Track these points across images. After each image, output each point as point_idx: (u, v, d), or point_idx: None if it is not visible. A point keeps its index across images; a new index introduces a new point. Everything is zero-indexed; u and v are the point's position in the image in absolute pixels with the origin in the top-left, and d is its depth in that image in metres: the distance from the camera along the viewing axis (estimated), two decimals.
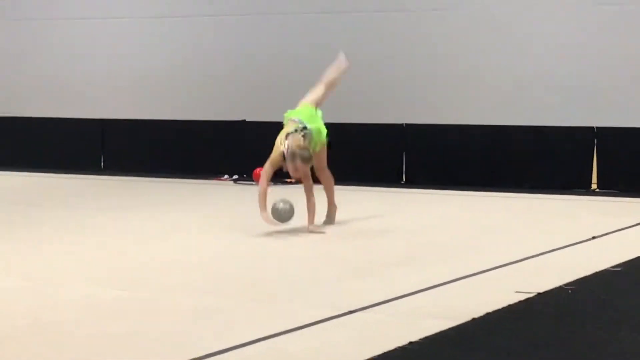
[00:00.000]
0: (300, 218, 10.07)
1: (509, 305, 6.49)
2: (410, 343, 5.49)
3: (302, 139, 10.02)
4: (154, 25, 17.29)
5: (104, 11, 17.58)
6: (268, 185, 10.14)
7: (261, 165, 15.11)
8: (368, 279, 7.67)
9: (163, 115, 16.82)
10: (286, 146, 9.99)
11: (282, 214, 9.86)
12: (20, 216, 11.43)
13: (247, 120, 16.09)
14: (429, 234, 10.15)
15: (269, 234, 9.91)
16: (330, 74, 10.91)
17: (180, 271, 7.99)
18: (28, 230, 10.21)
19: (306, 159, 9.97)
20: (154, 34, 17.27)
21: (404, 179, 15.13)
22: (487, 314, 6.24)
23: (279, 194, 13.95)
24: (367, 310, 6.43)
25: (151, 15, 17.24)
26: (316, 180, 10.54)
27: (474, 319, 6.10)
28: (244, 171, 15.45)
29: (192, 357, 5.22)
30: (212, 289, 7.28)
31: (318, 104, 10.68)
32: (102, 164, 16.92)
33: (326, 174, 10.68)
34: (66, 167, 16.54)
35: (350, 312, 6.32)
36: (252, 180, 15.16)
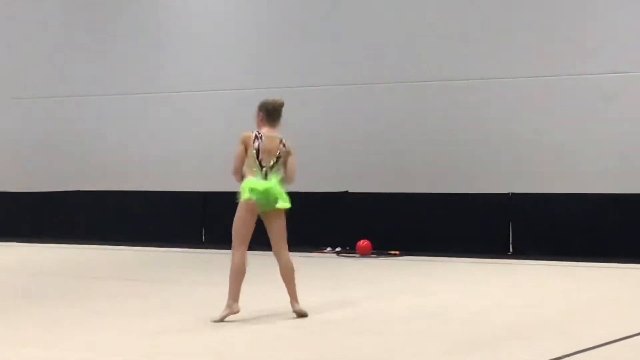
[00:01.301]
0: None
1: None
2: None
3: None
4: (253, 97, 17.58)
5: (211, 84, 18.03)
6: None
7: (364, 237, 15.39)
8: (477, 354, 7.63)
9: None
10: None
11: None
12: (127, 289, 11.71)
13: (349, 191, 16.23)
14: (537, 307, 10.04)
15: (370, 308, 9.93)
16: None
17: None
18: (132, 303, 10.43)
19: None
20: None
21: (511, 250, 15.09)
22: None
23: (381, 265, 14.07)
24: None
25: (253, 86, 17.61)
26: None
27: None
28: (347, 243, 15.57)
29: None
30: None
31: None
32: (203, 237, 17.23)
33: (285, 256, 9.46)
34: (168, 240, 16.94)
35: None
36: (356, 253, 15.28)
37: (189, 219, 17.46)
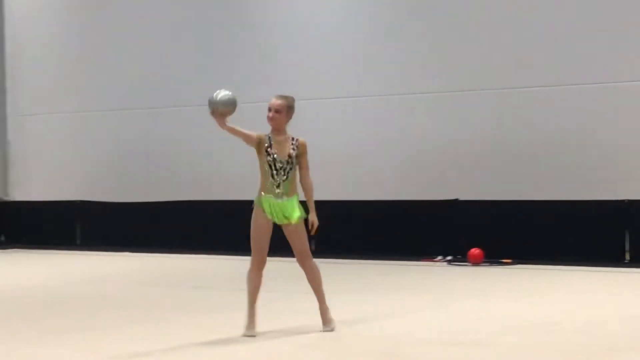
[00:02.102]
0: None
1: None
2: None
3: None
4: (364, 105, 17.75)
5: (317, 93, 18.17)
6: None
7: (475, 245, 15.33)
8: None
9: (374, 196, 17.14)
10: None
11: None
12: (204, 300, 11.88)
13: (459, 199, 16.19)
14: None
15: (481, 318, 9.88)
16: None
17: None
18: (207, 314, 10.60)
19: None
20: (367, 113, 17.73)
21: (628, 258, 14.85)
22: None
23: (493, 274, 13.99)
24: None
25: (365, 94, 17.70)
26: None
27: None
28: (458, 252, 15.53)
29: None
30: None
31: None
32: (313, 247, 17.34)
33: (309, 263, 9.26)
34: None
35: None
36: (467, 261, 15.22)
37: None
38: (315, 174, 17.82)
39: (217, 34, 19.25)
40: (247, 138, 8.91)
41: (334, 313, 9.20)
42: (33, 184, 21.55)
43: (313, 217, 8.96)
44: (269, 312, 9.88)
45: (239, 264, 15.95)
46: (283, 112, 8.98)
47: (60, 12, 21.41)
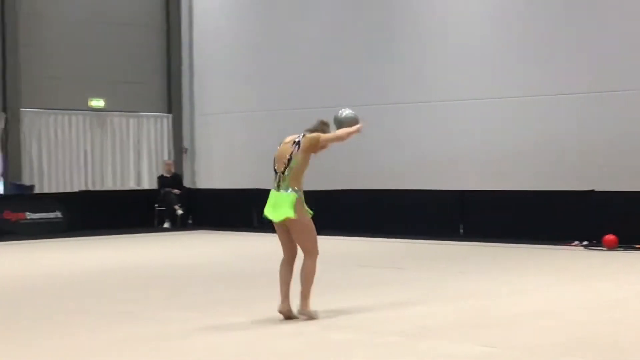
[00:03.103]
0: None
1: None
2: None
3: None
4: (513, 105, 18.07)
5: (474, 93, 18.59)
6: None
7: (609, 232, 15.50)
8: None
9: (521, 186, 17.50)
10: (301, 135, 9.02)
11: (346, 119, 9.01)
12: (390, 277, 12.48)
13: (595, 190, 16.38)
14: None
15: (615, 299, 10.16)
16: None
17: (545, 331, 8.25)
18: (398, 289, 11.16)
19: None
20: (515, 112, 18.07)
21: None
22: None
23: (627, 258, 14.17)
24: None
25: (512, 95, 18.02)
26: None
27: None
28: (594, 237, 15.74)
29: None
30: (573, 351, 7.42)
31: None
32: (460, 230, 17.85)
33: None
34: (427, 234, 17.65)
35: None
36: (603, 246, 15.42)
37: (447, 214, 18.15)
38: (470, 168, 18.09)
39: (377, 36, 19.72)
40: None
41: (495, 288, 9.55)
42: (215, 174, 22.51)
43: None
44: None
45: (401, 245, 16.69)
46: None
47: (238, 21, 22.30)
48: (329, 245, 17.17)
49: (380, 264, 14.23)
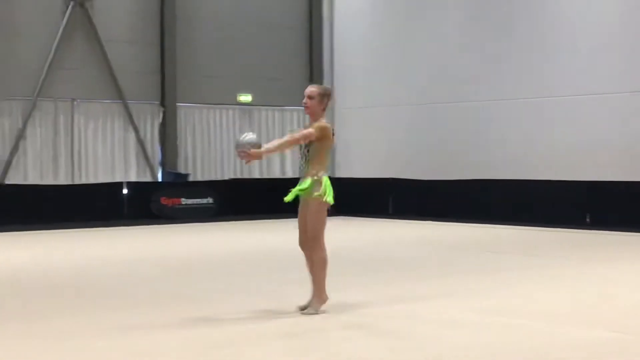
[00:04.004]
0: None
1: None
2: None
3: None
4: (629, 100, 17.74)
5: (604, 87, 18.30)
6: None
7: None
8: None
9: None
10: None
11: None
12: (517, 263, 12.48)
13: None
14: None
15: None
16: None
17: None
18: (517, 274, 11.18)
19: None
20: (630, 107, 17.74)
21: None
22: None
23: None
24: None
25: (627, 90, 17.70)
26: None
27: None
28: None
29: None
30: None
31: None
32: (587, 220, 17.62)
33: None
34: (554, 222, 17.50)
35: None
36: None
37: (574, 204, 17.93)
38: (593, 159, 17.87)
39: (507, 30, 19.61)
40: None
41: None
42: (354, 165, 22.78)
43: (259, 150, 8.05)
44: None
45: (528, 233, 16.60)
46: (316, 99, 8.20)
47: (376, 20, 22.47)
48: (461, 231, 17.37)
49: (508, 250, 14.20)
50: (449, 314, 8.32)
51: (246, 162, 8.32)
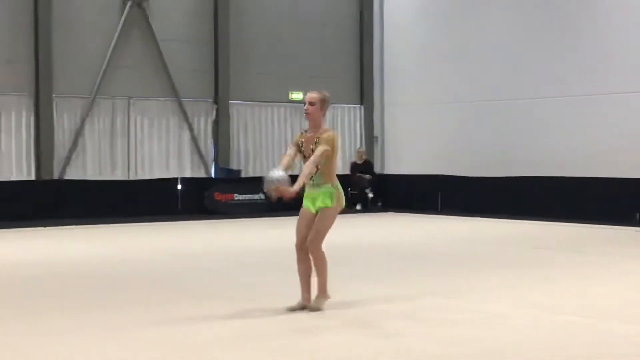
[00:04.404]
0: None
1: None
2: None
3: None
4: None
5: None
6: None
7: None
8: None
9: None
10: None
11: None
12: (565, 259, 12.41)
13: None
14: None
15: None
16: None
17: None
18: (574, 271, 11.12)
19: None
20: None
21: None
22: None
23: None
24: None
25: None
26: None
27: None
28: None
29: None
30: None
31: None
32: (637, 217, 17.46)
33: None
34: (602, 220, 17.36)
35: None
36: None
37: (623, 201, 17.76)
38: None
39: (559, 29, 19.48)
40: (293, 156, 8.18)
41: None
42: (403, 161, 22.78)
43: (294, 187, 7.85)
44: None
45: (576, 230, 16.49)
46: (317, 104, 8.10)
47: (425, 19, 22.43)
48: (508, 227, 17.29)
49: (556, 246, 14.12)
50: (498, 309, 8.31)
51: (277, 199, 8.08)
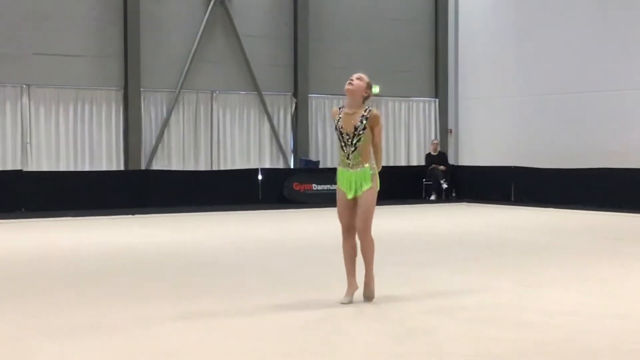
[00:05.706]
0: None
1: None
2: None
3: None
4: None
5: None
6: None
7: None
8: None
9: None
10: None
11: None
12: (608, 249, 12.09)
13: None
14: None
15: None
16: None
17: None
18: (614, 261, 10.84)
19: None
20: None
21: None
22: None
23: None
24: None
25: None
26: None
27: None
28: None
29: None
30: None
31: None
32: None
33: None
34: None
35: None
36: None
37: None
38: None
39: (634, 21, 19.07)
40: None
41: None
42: (476, 153, 22.55)
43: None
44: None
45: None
46: (364, 83, 7.76)
47: (501, 13, 22.14)
48: (582, 218, 16.97)
49: (630, 237, 13.79)
50: (573, 298, 8.12)
51: None
